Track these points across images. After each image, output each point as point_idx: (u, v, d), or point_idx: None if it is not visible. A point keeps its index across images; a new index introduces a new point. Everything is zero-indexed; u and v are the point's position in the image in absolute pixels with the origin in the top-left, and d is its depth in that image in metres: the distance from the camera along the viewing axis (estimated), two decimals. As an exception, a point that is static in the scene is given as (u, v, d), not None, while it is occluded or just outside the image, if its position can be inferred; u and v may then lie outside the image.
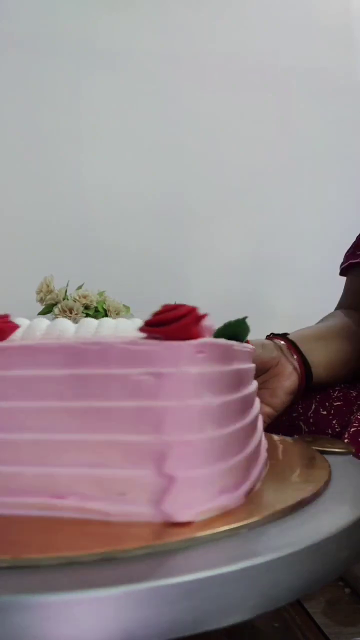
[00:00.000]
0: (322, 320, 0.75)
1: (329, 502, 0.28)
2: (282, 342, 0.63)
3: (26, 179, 1.23)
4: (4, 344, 0.28)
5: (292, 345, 0.63)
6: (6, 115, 1.23)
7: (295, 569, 0.22)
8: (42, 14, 1.26)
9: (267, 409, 0.59)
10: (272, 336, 0.65)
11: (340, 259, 0.81)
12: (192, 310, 0.26)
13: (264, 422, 0.59)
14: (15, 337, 0.30)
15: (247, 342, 0.35)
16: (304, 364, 0.62)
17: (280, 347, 0.62)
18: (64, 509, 0.25)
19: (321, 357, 0.64)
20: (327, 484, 0.31)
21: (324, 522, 0.25)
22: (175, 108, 1.31)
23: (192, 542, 0.22)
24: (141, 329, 0.26)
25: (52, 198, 1.23)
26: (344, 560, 0.25)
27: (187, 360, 0.24)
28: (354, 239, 0.80)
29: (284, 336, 0.64)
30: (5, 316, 0.30)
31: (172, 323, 0.25)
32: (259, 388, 0.61)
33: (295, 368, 0.61)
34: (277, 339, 0.63)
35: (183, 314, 0.25)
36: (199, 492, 0.24)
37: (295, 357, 0.62)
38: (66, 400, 0.25)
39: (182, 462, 0.24)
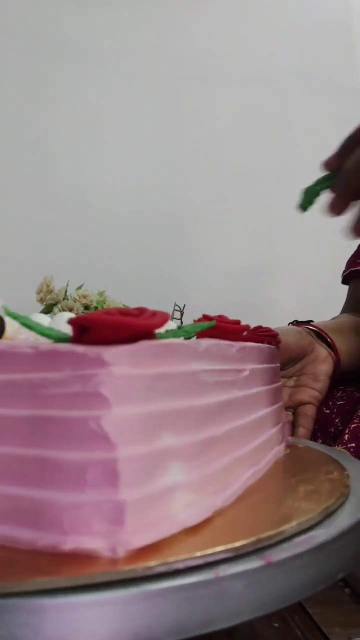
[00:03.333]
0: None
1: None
2: (313, 329, 0.64)
3: (26, 178, 1.23)
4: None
5: (322, 331, 0.64)
6: (5, 114, 1.23)
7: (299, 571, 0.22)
8: (42, 12, 1.26)
9: (314, 392, 0.61)
10: (297, 323, 0.66)
11: (341, 261, 0.81)
12: None
13: (313, 404, 0.61)
14: None
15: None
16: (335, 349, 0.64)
17: (311, 333, 0.64)
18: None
19: (342, 346, 0.66)
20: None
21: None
22: (175, 108, 1.31)
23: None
24: None
25: (52, 198, 1.23)
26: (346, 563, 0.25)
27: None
28: (354, 242, 0.80)
29: (308, 324, 0.66)
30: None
31: None
32: (299, 374, 0.62)
33: (329, 352, 0.63)
34: (304, 326, 0.65)
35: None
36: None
37: (326, 342, 0.64)
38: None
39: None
